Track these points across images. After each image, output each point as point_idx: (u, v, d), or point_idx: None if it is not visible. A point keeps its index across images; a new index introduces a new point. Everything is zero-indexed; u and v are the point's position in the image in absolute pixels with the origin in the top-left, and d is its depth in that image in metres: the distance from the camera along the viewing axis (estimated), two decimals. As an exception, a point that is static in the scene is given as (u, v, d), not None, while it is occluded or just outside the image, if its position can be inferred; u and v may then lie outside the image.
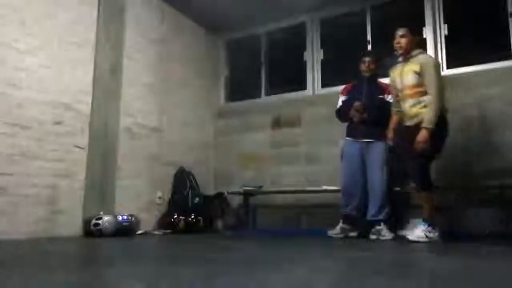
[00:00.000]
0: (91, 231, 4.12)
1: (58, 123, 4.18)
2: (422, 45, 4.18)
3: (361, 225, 4.35)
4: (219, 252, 2.91)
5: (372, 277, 1.75)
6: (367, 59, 4.49)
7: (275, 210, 5.65)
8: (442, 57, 5.07)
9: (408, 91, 3.87)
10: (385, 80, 4.43)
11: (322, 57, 5.92)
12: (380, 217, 4.18)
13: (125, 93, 4.94)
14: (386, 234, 4.12)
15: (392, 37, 3.98)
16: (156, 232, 4.95)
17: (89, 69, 4.56)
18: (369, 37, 5.54)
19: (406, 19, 5.15)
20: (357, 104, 4.33)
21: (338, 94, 4.71)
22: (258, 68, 6.38)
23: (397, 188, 4.33)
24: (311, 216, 5.39)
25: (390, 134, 4.13)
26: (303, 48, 6.05)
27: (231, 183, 5.95)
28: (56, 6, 4.27)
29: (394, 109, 4.15)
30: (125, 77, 4.96)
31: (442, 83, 3.86)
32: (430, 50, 5.08)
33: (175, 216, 5.08)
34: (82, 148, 4.37)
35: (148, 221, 5.00)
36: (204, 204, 5.44)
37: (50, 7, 4.22)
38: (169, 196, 5.40)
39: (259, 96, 6.32)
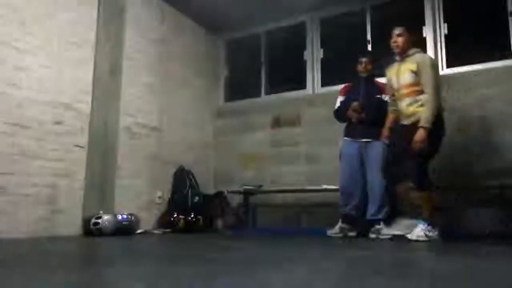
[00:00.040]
0: (90, 230, 4.12)
1: (58, 122, 4.18)
2: (420, 44, 4.16)
3: (360, 225, 4.35)
4: (219, 251, 2.91)
5: (372, 277, 1.75)
6: (364, 59, 4.51)
7: (275, 210, 5.66)
8: (442, 57, 5.07)
9: (404, 90, 3.87)
10: (382, 80, 4.44)
11: (322, 57, 5.93)
12: (380, 216, 4.19)
13: (125, 93, 4.94)
14: (386, 233, 4.12)
15: (389, 36, 3.99)
16: (155, 231, 4.95)
17: (89, 69, 4.57)
18: (369, 37, 5.55)
19: (406, 19, 5.15)
20: (355, 104, 4.34)
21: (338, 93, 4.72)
22: (258, 67, 6.39)
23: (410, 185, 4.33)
24: (311, 215, 5.40)
25: (386, 132, 4.14)
26: (303, 47, 6.05)
27: (231, 182, 5.96)
28: (56, 6, 4.27)
29: (390, 108, 4.15)
30: (125, 77, 4.96)
31: (439, 82, 3.87)
32: (430, 50, 5.09)
33: (175, 215, 5.09)
34: (82, 147, 4.38)
35: (147, 220, 5.01)
36: (204, 203, 5.44)
37: (50, 7, 4.22)
38: (169, 195, 5.41)
39: (259, 95, 6.32)
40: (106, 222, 4.14)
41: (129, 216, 4.40)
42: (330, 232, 4.39)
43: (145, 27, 5.36)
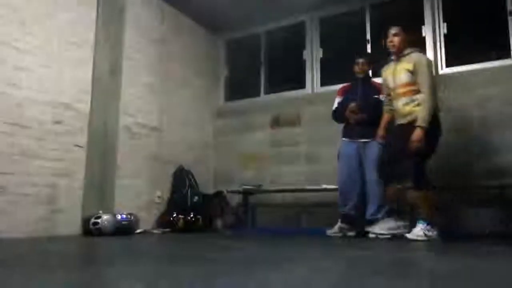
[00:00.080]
0: (90, 230, 4.12)
1: (57, 122, 4.18)
2: (416, 43, 4.16)
3: (360, 225, 4.35)
4: (219, 251, 2.91)
5: (372, 276, 1.75)
6: (360, 60, 4.54)
7: (275, 209, 5.66)
8: (441, 56, 5.08)
9: (401, 90, 3.88)
10: (379, 80, 4.44)
11: (321, 56, 5.93)
12: (379, 216, 4.19)
13: (124, 93, 4.94)
14: (385, 233, 4.13)
15: (385, 36, 4.00)
16: (155, 231, 4.95)
17: (89, 68, 4.57)
18: (368, 36, 5.55)
19: (405, 18, 5.16)
20: (352, 105, 4.36)
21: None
22: (257, 67, 6.39)
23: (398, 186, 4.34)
24: (310, 215, 5.40)
25: (381, 132, 4.15)
26: (302, 47, 6.05)
27: (230, 182, 5.96)
28: (55, 6, 4.27)
29: (386, 108, 4.16)
30: (125, 77, 4.96)
31: (435, 81, 3.88)
32: (429, 49, 5.10)
33: (174, 215, 5.09)
34: (81, 147, 4.37)
35: (147, 220, 5.01)
36: (204, 203, 5.44)
37: (50, 7, 4.22)
38: (168, 195, 5.41)
39: (258, 95, 6.32)
40: (106, 222, 4.13)
41: (129, 216, 4.40)
42: (329, 232, 4.40)
43: (145, 27, 5.35)
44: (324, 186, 4.96)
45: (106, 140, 4.67)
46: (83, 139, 4.42)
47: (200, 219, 5.20)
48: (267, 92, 6.28)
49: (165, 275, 1.74)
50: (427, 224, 3.64)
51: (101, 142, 4.60)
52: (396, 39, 3.95)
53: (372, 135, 4.26)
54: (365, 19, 5.62)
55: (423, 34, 5.16)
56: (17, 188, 3.77)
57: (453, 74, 4.95)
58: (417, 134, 3.64)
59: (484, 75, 4.77)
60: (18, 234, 3.68)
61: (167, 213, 5.22)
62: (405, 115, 3.84)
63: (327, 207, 4.87)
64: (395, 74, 3.94)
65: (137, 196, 5.00)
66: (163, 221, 5.15)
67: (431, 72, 3.89)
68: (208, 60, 6.50)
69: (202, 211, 5.31)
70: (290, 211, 5.55)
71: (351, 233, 4.34)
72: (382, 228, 4.06)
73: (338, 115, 4.58)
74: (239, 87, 6.58)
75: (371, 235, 4.11)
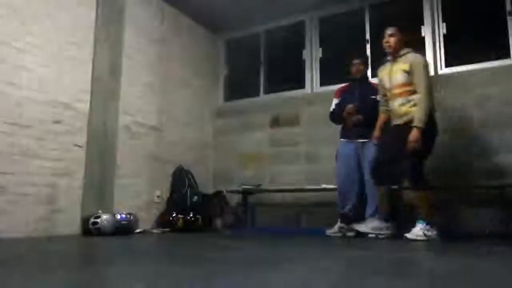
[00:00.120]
0: (89, 229, 4.12)
1: (57, 122, 4.18)
2: (414, 43, 4.17)
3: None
4: (218, 251, 2.91)
5: (372, 276, 1.75)
6: (356, 61, 4.56)
7: (274, 209, 5.65)
8: (441, 56, 5.07)
9: (397, 90, 3.89)
10: (375, 81, 4.45)
11: (320, 56, 5.93)
12: (378, 216, 4.19)
13: (124, 93, 4.94)
14: (384, 233, 4.13)
15: (382, 36, 4.02)
16: (154, 231, 4.95)
17: (88, 68, 4.56)
18: (367, 36, 5.54)
19: (405, 18, 5.17)
20: (349, 106, 4.37)
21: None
22: (257, 67, 6.38)
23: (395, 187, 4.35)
24: (310, 215, 5.40)
25: (377, 133, 4.16)
26: (302, 46, 6.05)
27: (230, 182, 5.96)
28: (55, 6, 4.27)
29: (381, 108, 4.17)
30: (125, 77, 4.96)
31: (431, 82, 3.88)
32: (428, 49, 5.10)
33: (174, 215, 5.08)
34: (80, 146, 4.37)
35: (146, 220, 5.01)
36: (203, 202, 5.43)
37: (49, 7, 4.22)
38: (168, 194, 5.40)
39: (257, 95, 6.32)
40: (105, 222, 4.13)
41: (128, 216, 4.39)
42: (329, 231, 4.41)
43: (145, 27, 5.35)
44: (324, 186, 4.96)
45: (105, 140, 4.67)
46: (82, 139, 4.41)
47: (200, 219, 5.20)
48: (266, 92, 6.28)
49: (164, 275, 1.74)
50: (427, 224, 3.64)
51: (100, 142, 4.60)
52: (392, 40, 3.96)
53: (370, 135, 4.27)
54: (365, 19, 5.62)
55: (423, 34, 5.15)
56: (16, 188, 3.77)
57: (453, 74, 4.94)
58: (414, 134, 3.65)
59: (484, 75, 4.77)
60: (18, 234, 3.68)
61: (166, 213, 5.21)
62: (401, 116, 3.85)
63: (327, 207, 4.87)
64: (391, 74, 3.95)
65: (137, 195, 4.99)
66: (163, 221, 5.15)
67: (427, 72, 3.89)
68: (207, 60, 6.50)
69: (202, 210, 5.30)
70: (289, 211, 5.55)
71: (350, 233, 4.34)
72: (367, 227, 4.05)
73: (335, 116, 4.60)
74: (239, 87, 6.57)
75: (370, 235, 4.09)
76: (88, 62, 4.57)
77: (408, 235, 3.67)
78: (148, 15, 5.43)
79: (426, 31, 5.17)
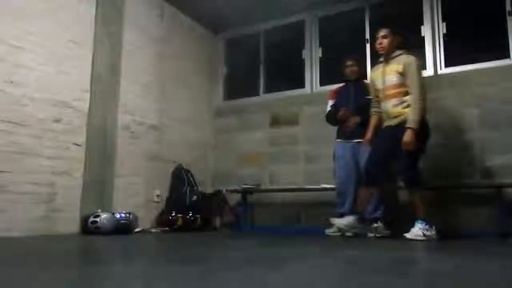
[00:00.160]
0: (88, 228, 4.12)
1: (56, 120, 4.18)
2: (408, 45, 4.16)
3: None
4: (218, 250, 2.91)
5: (372, 276, 1.75)
6: (349, 63, 4.62)
7: (274, 208, 5.66)
8: (441, 56, 5.08)
9: (390, 91, 3.90)
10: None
11: (320, 55, 5.93)
12: (377, 215, 4.22)
13: (123, 91, 4.93)
14: (383, 232, 4.14)
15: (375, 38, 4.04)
16: (153, 230, 4.95)
17: (88, 67, 4.56)
18: (367, 36, 5.54)
19: (404, 18, 5.17)
20: (340, 114, 4.43)
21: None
22: (256, 66, 6.38)
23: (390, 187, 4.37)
24: (310, 215, 5.39)
25: (369, 134, 4.16)
26: (301, 46, 6.05)
27: (229, 181, 5.96)
28: (55, 5, 4.27)
29: (373, 110, 4.17)
30: (124, 75, 4.96)
31: (424, 83, 3.88)
32: (428, 49, 5.10)
33: (173, 214, 5.08)
34: (79, 145, 4.37)
35: (146, 219, 5.01)
36: (202, 202, 5.44)
37: (49, 5, 4.21)
38: (167, 194, 5.40)
39: (257, 94, 6.32)
40: (104, 221, 4.13)
41: (127, 215, 4.39)
42: (328, 231, 4.42)
43: (144, 25, 5.35)
44: (323, 185, 4.96)
45: (105, 138, 4.66)
46: (82, 138, 4.41)
47: (199, 218, 5.20)
48: (266, 91, 6.28)
49: (163, 274, 1.74)
50: (426, 224, 3.65)
51: (100, 141, 4.60)
52: (385, 41, 3.97)
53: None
54: (365, 19, 5.61)
55: (423, 34, 5.16)
56: (16, 186, 3.76)
57: (452, 74, 4.95)
58: (408, 135, 3.66)
59: (483, 75, 4.77)
60: (17, 233, 3.68)
61: (166, 212, 5.21)
62: (394, 117, 3.86)
63: (326, 206, 4.87)
64: (385, 75, 3.95)
65: (136, 195, 4.99)
66: (162, 220, 5.15)
67: (421, 73, 3.90)
68: (207, 59, 6.50)
69: (201, 210, 5.31)
70: (289, 210, 5.55)
71: (349, 233, 4.34)
72: (342, 221, 4.07)
73: (331, 117, 4.62)
74: (239, 86, 6.57)
75: (369, 235, 4.11)
76: (88, 60, 4.56)
77: (407, 235, 3.68)
78: (148, 13, 5.43)
79: (426, 31, 5.17)
